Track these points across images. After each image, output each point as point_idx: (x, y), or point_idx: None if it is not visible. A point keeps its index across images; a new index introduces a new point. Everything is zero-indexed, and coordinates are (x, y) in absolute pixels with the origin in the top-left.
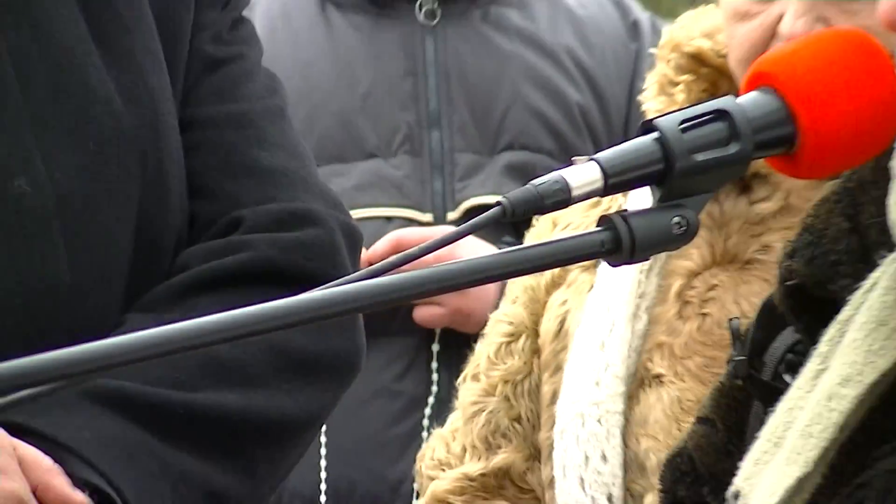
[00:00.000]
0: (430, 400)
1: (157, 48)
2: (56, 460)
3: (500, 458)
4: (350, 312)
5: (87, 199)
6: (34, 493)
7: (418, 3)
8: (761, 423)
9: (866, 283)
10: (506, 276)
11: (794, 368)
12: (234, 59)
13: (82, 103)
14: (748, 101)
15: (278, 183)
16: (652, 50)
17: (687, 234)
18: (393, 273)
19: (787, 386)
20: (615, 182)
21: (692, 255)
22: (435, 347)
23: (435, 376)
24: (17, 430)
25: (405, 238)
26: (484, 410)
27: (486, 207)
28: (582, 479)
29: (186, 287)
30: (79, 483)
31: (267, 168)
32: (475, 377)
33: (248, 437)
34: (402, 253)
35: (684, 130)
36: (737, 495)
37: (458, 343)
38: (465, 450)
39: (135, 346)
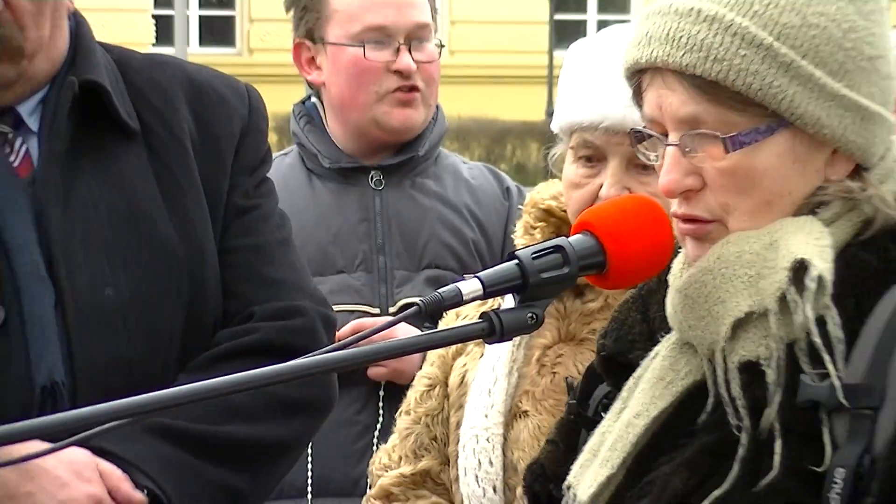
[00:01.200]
0: (378, 427)
1: (203, 204)
2: (124, 472)
3: (423, 464)
4: (322, 373)
5: (152, 302)
6: (110, 494)
7: (370, 175)
8: (585, 442)
9: (651, 353)
10: (424, 350)
11: (606, 408)
12: (256, 207)
13: (151, 240)
14: (575, 240)
15: (280, 289)
16: (519, 206)
17: (536, 324)
18: (354, 347)
19: (601, 419)
20: (491, 291)
21: (546, 335)
22: (381, 393)
23: (381, 412)
24: (98, 452)
25: (362, 324)
26: (412, 433)
27: (413, 305)
28: (476, 477)
29: (217, 358)
30: (140, 487)
31: (273, 279)
32: (407, 412)
33: (255, 455)
34: (359, 334)
35: (535, 258)
36: (569, 487)
37: (396, 390)
38: (400, 458)
39: (179, 395)
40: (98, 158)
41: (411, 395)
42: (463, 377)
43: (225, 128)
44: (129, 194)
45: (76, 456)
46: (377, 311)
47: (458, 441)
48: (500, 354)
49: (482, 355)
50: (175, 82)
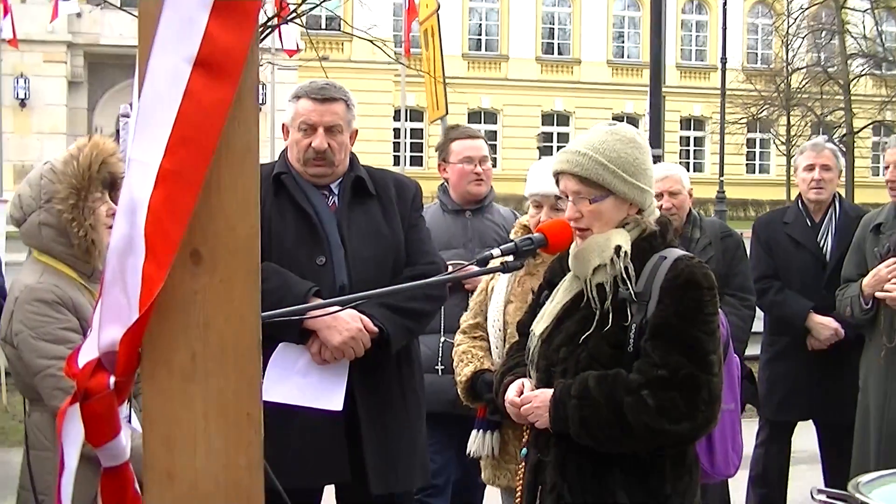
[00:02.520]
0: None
1: (399, 223)
2: (371, 318)
3: (478, 320)
4: (441, 284)
5: (381, 260)
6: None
7: (466, 212)
8: (537, 313)
9: (564, 280)
10: (479, 275)
11: (546, 298)
12: (417, 224)
13: (381, 237)
14: (536, 235)
15: (426, 255)
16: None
17: (520, 267)
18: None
19: (545, 303)
20: (509, 252)
21: (522, 271)
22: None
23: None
24: (359, 311)
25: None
26: (474, 308)
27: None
28: (494, 328)
29: (405, 277)
30: (375, 326)
31: (424, 251)
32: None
33: (421, 315)
34: (458, 269)
35: (521, 242)
36: (532, 331)
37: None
38: (468, 318)
39: (389, 291)
40: (361, 205)
41: (474, 296)
42: (492, 287)
43: (406, 193)
44: (373, 219)
45: (351, 312)
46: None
47: (489, 313)
48: (506, 279)
49: (498, 280)
50: (388, 177)
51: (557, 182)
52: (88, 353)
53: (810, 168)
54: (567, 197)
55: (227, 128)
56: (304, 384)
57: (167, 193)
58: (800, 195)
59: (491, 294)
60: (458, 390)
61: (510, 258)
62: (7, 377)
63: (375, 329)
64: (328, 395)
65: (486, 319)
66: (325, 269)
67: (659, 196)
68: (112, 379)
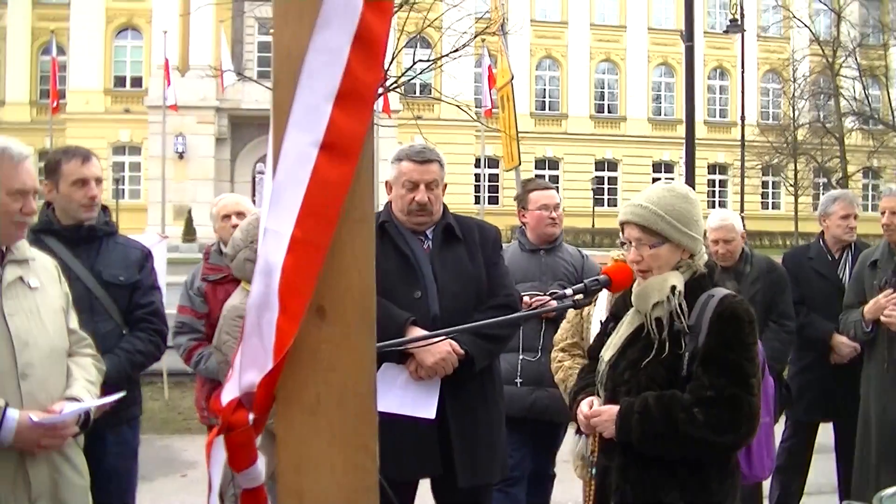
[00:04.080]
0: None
1: (481, 261)
2: (459, 344)
3: (574, 340)
4: (518, 320)
5: (466, 294)
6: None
7: (541, 252)
8: (605, 341)
9: (627, 314)
10: (561, 310)
11: (612, 330)
12: (498, 262)
13: (467, 273)
14: (603, 277)
15: (504, 286)
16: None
17: (589, 304)
18: (531, 310)
19: (611, 334)
20: (580, 290)
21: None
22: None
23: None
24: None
25: (536, 300)
26: (568, 329)
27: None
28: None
29: (486, 307)
30: (462, 349)
31: (502, 284)
32: (567, 319)
33: (501, 340)
34: (534, 305)
35: (589, 282)
36: (601, 356)
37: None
38: (565, 336)
39: (471, 327)
40: (450, 247)
41: (568, 319)
42: (588, 313)
43: (487, 237)
44: (460, 259)
45: (443, 344)
46: (543, 293)
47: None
48: (603, 307)
49: (595, 308)
50: (473, 223)
51: (622, 230)
52: (230, 392)
53: (846, 217)
54: (630, 243)
55: (347, 200)
56: (404, 396)
57: (297, 258)
58: (822, 234)
59: (588, 318)
60: (567, 401)
61: (580, 296)
62: (168, 377)
63: (462, 352)
64: (424, 405)
65: (582, 339)
66: (420, 301)
67: (715, 243)
68: (251, 416)
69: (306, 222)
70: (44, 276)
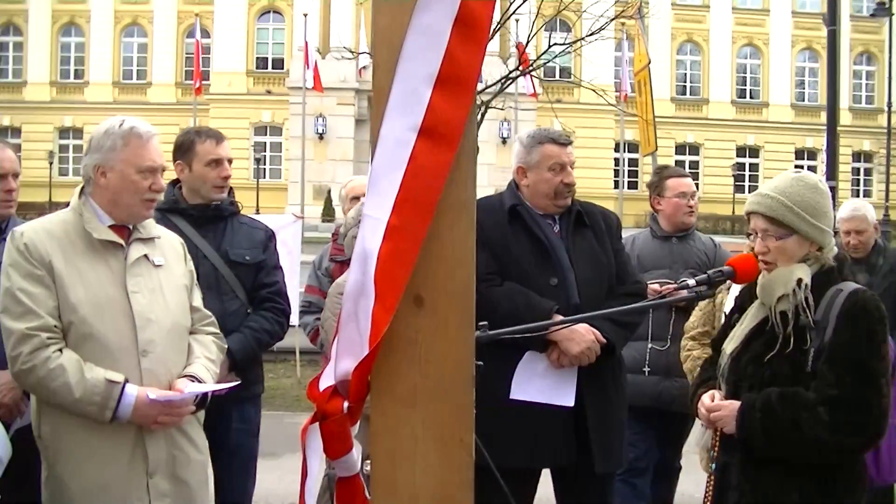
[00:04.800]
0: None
1: (610, 247)
2: (599, 330)
3: (706, 329)
4: (646, 308)
5: (600, 280)
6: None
7: (672, 239)
8: (729, 332)
9: (752, 306)
10: (688, 300)
11: (737, 321)
12: (621, 249)
13: (600, 258)
14: (727, 268)
15: (631, 274)
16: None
17: (713, 294)
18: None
19: (735, 325)
20: (704, 281)
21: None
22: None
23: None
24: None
25: (664, 288)
26: (700, 316)
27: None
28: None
29: (617, 294)
30: (604, 336)
31: (629, 271)
32: (699, 308)
33: (628, 327)
34: (664, 291)
35: (712, 273)
36: (724, 348)
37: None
38: (695, 325)
39: (606, 313)
40: (580, 234)
41: (701, 307)
42: (721, 301)
43: (611, 223)
44: (591, 246)
45: (584, 326)
46: (673, 282)
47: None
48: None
49: (728, 296)
50: (596, 210)
51: (748, 220)
52: (327, 380)
53: None
54: (756, 234)
55: (447, 187)
56: (543, 385)
57: (394, 245)
58: None
59: (721, 307)
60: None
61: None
62: (301, 354)
63: (604, 340)
64: (563, 393)
65: (714, 328)
66: (558, 289)
67: (847, 234)
68: (346, 404)
69: (403, 209)
70: (169, 253)
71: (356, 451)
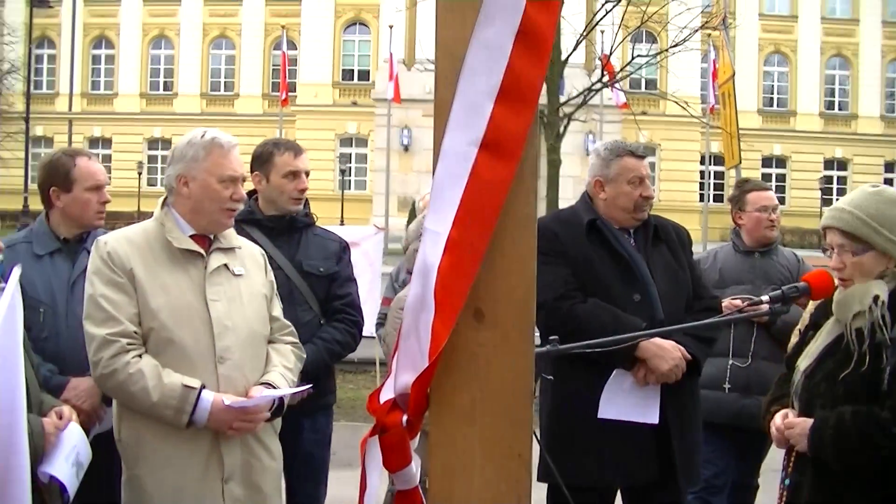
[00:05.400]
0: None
1: (685, 261)
2: (683, 346)
3: None
4: (721, 323)
5: (679, 295)
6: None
7: (754, 254)
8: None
9: (827, 322)
10: (754, 316)
11: (811, 338)
12: (694, 265)
13: (678, 272)
14: (802, 284)
15: (707, 291)
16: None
17: (787, 311)
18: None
19: (809, 341)
20: (778, 297)
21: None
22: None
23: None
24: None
25: (736, 303)
26: None
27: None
28: None
29: (696, 310)
30: (690, 353)
31: (704, 286)
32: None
33: (713, 341)
34: (735, 309)
35: (787, 289)
36: (797, 365)
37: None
38: None
39: (687, 328)
40: (656, 248)
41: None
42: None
43: (684, 238)
44: (668, 260)
45: (672, 343)
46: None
47: None
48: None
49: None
50: (667, 223)
51: (824, 235)
52: (387, 393)
53: None
54: (833, 249)
55: (508, 201)
56: (629, 403)
57: (454, 259)
58: None
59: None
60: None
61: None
62: (381, 366)
63: (689, 357)
64: (648, 411)
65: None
66: (641, 305)
67: None
68: (405, 417)
69: (463, 223)
70: (249, 263)
71: (415, 465)
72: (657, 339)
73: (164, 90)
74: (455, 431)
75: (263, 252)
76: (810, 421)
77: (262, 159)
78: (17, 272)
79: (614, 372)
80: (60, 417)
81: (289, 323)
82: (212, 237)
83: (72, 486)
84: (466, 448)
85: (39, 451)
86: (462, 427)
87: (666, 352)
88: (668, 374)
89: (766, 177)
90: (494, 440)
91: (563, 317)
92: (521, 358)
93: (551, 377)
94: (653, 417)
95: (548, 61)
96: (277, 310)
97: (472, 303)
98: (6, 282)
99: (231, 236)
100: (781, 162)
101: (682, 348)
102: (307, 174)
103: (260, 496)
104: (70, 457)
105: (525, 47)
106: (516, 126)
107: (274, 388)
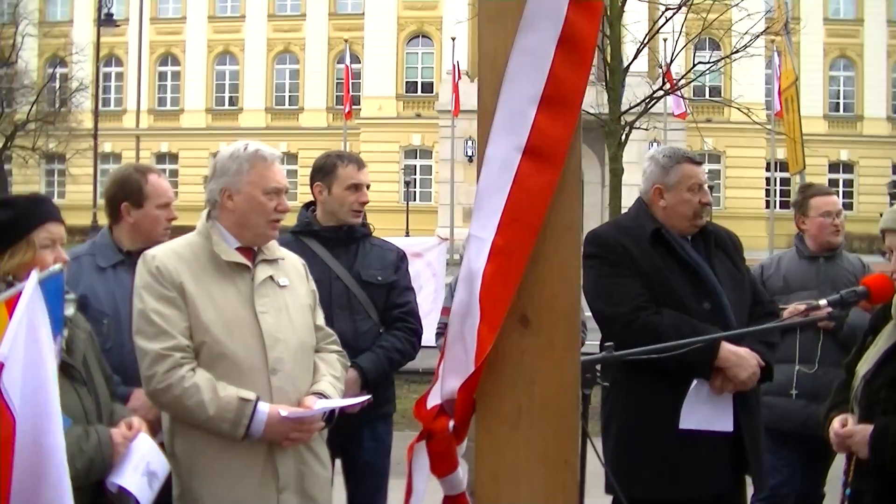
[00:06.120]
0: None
1: (744, 270)
2: (758, 353)
3: None
4: (777, 328)
5: (741, 305)
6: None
7: (819, 259)
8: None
9: (887, 327)
10: (808, 322)
11: (869, 344)
12: (749, 271)
13: (742, 279)
14: (861, 288)
15: (767, 300)
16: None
17: (846, 316)
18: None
19: (868, 348)
20: (835, 302)
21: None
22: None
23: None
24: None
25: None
26: None
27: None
28: None
29: (757, 316)
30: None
31: (763, 292)
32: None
33: (777, 346)
34: (796, 314)
35: (844, 294)
36: (857, 371)
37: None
38: None
39: (742, 332)
40: (717, 255)
41: None
42: None
43: (738, 244)
44: (730, 267)
45: (748, 351)
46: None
47: None
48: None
49: None
50: (720, 229)
51: (883, 238)
52: (434, 399)
53: None
54: (892, 252)
55: (552, 208)
56: (706, 412)
57: (499, 266)
58: None
59: None
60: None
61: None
62: None
63: (763, 363)
64: (722, 419)
65: None
66: (713, 314)
67: None
68: (451, 423)
69: (508, 229)
70: (293, 274)
71: (462, 471)
72: (734, 347)
73: (230, 105)
74: (502, 438)
75: (304, 262)
76: (870, 427)
77: (324, 171)
78: (34, 276)
79: (694, 382)
80: (130, 428)
81: (332, 332)
82: (256, 249)
83: (144, 496)
84: (513, 454)
85: (108, 461)
86: (509, 433)
87: (744, 360)
88: (747, 383)
89: (833, 182)
90: (541, 447)
91: (640, 329)
92: (567, 364)
93: (607, 384)
94: (728, 426)
95: (590, 66)
96: (321, 319)
97: (518, 309)
98: (72, 293)
99: (274, 248)
100: (849, 167)
101: (756, 356)
102: (368, 187)
103: None
104: (139, 467)
105: (567, 53)
106: (559, 132)
107: (325, 397)
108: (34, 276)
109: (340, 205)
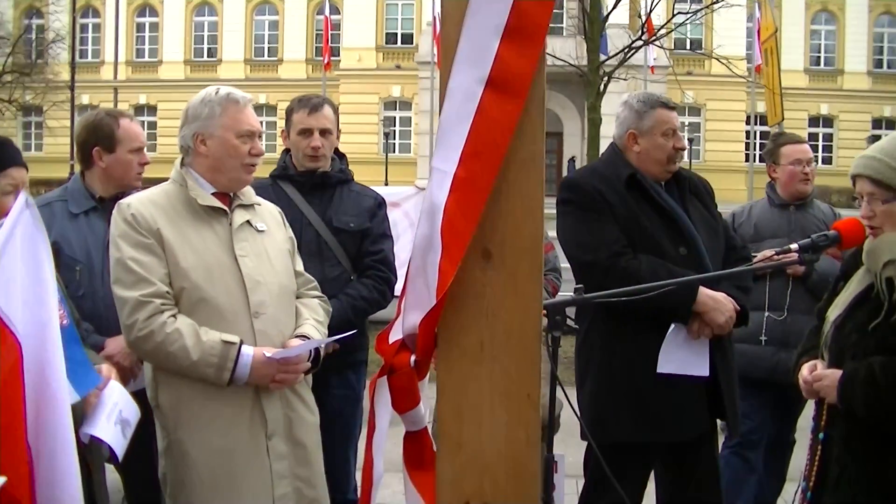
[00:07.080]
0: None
1: (714, 212)
2: (732, 298)
3: None
4: (749, 272)
5: (717, 248)
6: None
7: (790, 206)
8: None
9: (857, 273)
10: (786, 264)
11: (841, 289)
12: (721, 217)
13: (714, 223)
14: (832, 233)
15: (739, 245)
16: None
17: (817, 260)
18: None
19: (839, 292)
20: (807, 246)
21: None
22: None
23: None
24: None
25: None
26: None
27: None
28: None
29: (731, 262)
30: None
31: (736, 237)
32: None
33: (750, 291)
34: (766, 257)
35: (817, 237)
36: (828, 316)
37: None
38: None
39: (713, 276)
40: (691, 201)
41: None
42: None
43: (711, 191)
44: (704, 213)
45: (724, 295)
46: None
47: None
48: None
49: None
50: (693, 176)
51: (854, 184)
52: (395, 334)
53: None
54: (862, 197)
55: (514, 139)
56: (683, 357)
57: (460, 198)
58: None
59: None
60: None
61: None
62: None
63: (738, 308)
64: (698, 364)
65: None
66: (689, 259)
67: None
68: (413, 358)
69: (470, 162)
70: (269, 220)
71: (423, 406)
72: (711, 292)
73: (209, 57)
74: (463, 373)
75: (281, 210)
76: (839, 372)
77: (287, 116)
78: (22, 197)
79: (672, 326)
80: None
81: (312, 277)
82: (232, 195)
83: (118, 445)
84: (476, 389)
85: (79, 411)
86: (471, 368)
87: (721, 304)
88: (724, 327)
89: (813, 136)
90: (504, 381)
91: (619, 274)
92: (529, 298)
93: (577, 327)
94: (704, 370)
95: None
96: (300, 265)
97: (480, 242)
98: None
99: (249, 193)
100: (829, 121)
101: (732, 300)
102: (324, 132)
103: (303, 451)
104: (112, 415)
105: None
106: (522, 64)
107: (309, 339)
108: (22, 196)
109: (296, 150)
